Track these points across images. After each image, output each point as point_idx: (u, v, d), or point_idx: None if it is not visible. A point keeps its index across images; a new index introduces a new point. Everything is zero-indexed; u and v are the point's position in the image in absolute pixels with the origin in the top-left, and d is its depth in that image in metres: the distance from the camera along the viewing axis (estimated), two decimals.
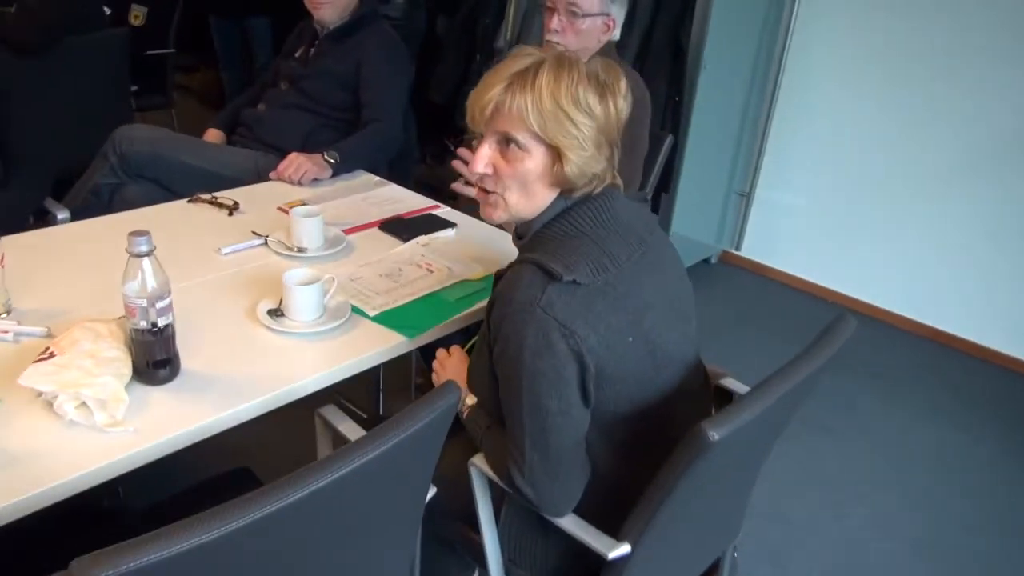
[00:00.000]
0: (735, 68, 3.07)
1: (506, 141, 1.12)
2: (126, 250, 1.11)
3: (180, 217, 1.80)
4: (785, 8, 3.11)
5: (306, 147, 2.21)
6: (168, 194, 2.26)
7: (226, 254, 1.61)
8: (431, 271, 1.61)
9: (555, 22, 1.93)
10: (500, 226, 1.29)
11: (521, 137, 1.11)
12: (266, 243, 1.66)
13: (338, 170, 2.09)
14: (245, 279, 1.53)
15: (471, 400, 1.27)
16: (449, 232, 1.80)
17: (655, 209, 2.99)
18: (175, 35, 3.73)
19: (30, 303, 1.39)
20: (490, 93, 1.10)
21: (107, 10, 3.08)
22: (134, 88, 3.29)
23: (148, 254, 1.12)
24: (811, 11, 3.10)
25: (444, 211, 1.93)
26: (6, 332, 1.28)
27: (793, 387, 1.08)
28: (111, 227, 1.73)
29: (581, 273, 1.07)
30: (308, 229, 1.63)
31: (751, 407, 1.01)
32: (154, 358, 1.17)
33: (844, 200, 3.22)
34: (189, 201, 1.86)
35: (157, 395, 1.18)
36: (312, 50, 2.36)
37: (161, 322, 1.15)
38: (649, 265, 1.18)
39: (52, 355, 1.14)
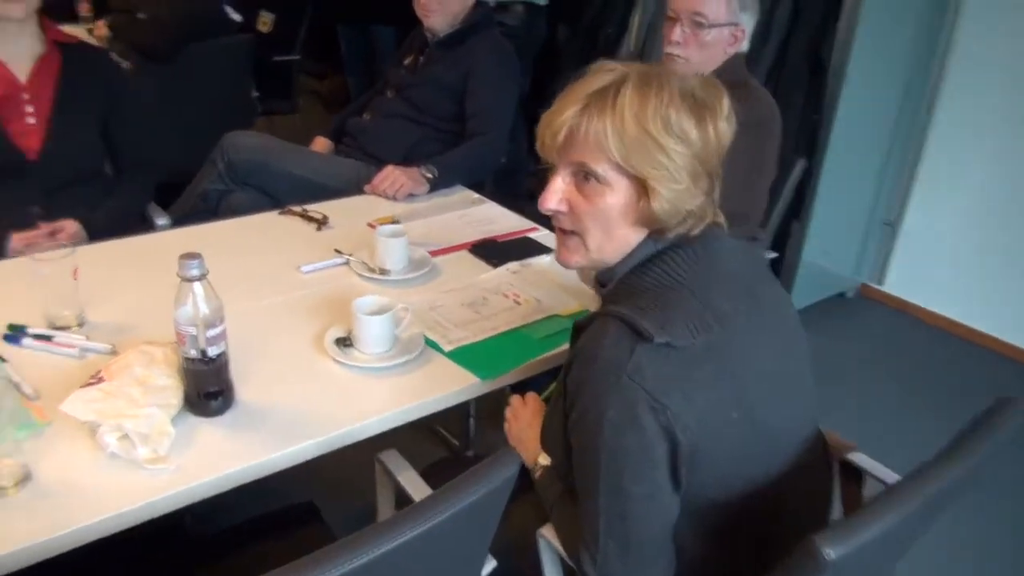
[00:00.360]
0: (883, 83, 2.75)
1: (583, 173, 0.96)
2: (177, 274, 1.03)
3: (268, 230, 1.74)
4: (947, 14, 2.76)
5: (409, 159, 2.13)
6: (274, 202, 2.25)
7: (306, 272, 1.53)
8: (518, 303, 1.46)
9: (677, 33, 1.74)
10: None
11: (600, 168, 0.94)
12: (348, 263, 1.57)
13: (436, 185, 1.98)
14: (320, 301, 1.44)
15: (544, 460, 1.12)
16: (544, 259, 1.65)
17: (783, 237, 2.72)
18: (303, 42, 3.79)
19: (104, 315, 1.35)
20: (563, 116, 0.94)
21: (238, 17, 3.15)
22: (257, 94, 3.36)
23: (200, 278, 1.03)
24: (973, 18, 2.73)
25: (542, 235, 1.78)
26: (72, 347, 1.24)
27: (940, 490, 0.86)
28: (200, 237, 1.70)
29: (677, 333, 0.89)
30: (391, 250, 1.53)
31: (881, 518, 0.80)
32: (205, 389, 1.09)
33: (1008, 235, 2.82)
34: (280, 213, 1.80)
35: (207, 428, 1.10)
36: (421, 58, 2.28)
37: (212, 351, 1.06)
38: (759, 322, 0.98)
39: (101, 379, 1.08)
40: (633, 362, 0.88)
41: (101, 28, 2.87)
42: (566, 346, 1.32)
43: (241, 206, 2.24)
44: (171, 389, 1.08)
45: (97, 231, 1.80)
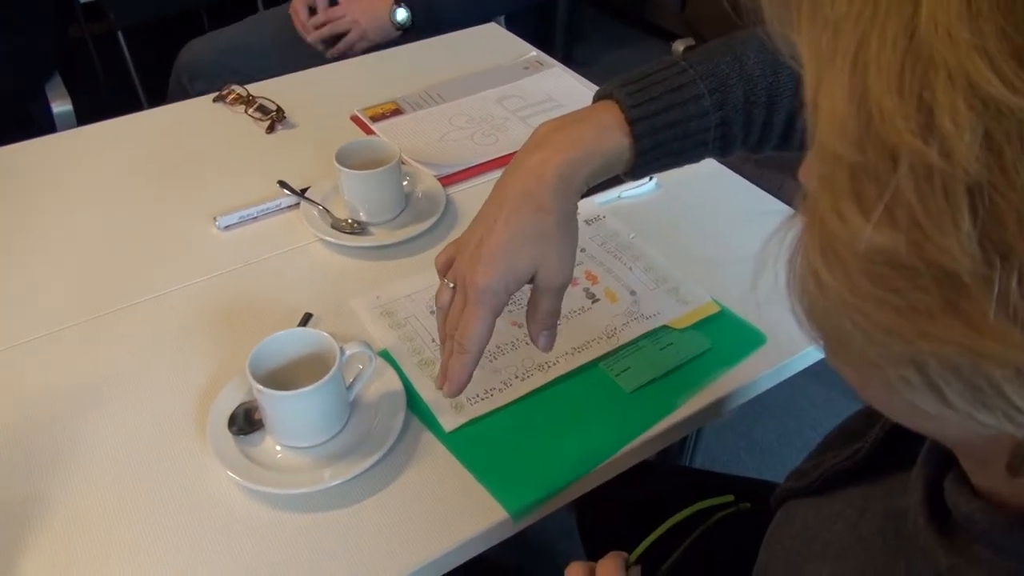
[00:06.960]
0: None
1: None
2: None
3: (191, 133, 1.07)
4: None
5: None
6: None
7: (224, 228, 0.89)
8: (593, 297, 0.79)
9: None
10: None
11: None
12: (299, 206, 0.90)
13: (420, 26, 1.24)
14: (241, 296, 0.80)
15: None
16: (643, 188, 0.94)
17: None
18: None
19: None
20: None
21: None
22: None
23: None
24: None
25: None
26: None
27: None
28: (78, 146, 1.05)
29: None
30: (360, 190, 0.86)
31: None
32: None
33: None
34: (216, 99, 1.12)
35: None
36: None
37: None
38: None
39: None
40: None
41: None
42: (686, 410, 0.67)
43: None
44: None
45: None
